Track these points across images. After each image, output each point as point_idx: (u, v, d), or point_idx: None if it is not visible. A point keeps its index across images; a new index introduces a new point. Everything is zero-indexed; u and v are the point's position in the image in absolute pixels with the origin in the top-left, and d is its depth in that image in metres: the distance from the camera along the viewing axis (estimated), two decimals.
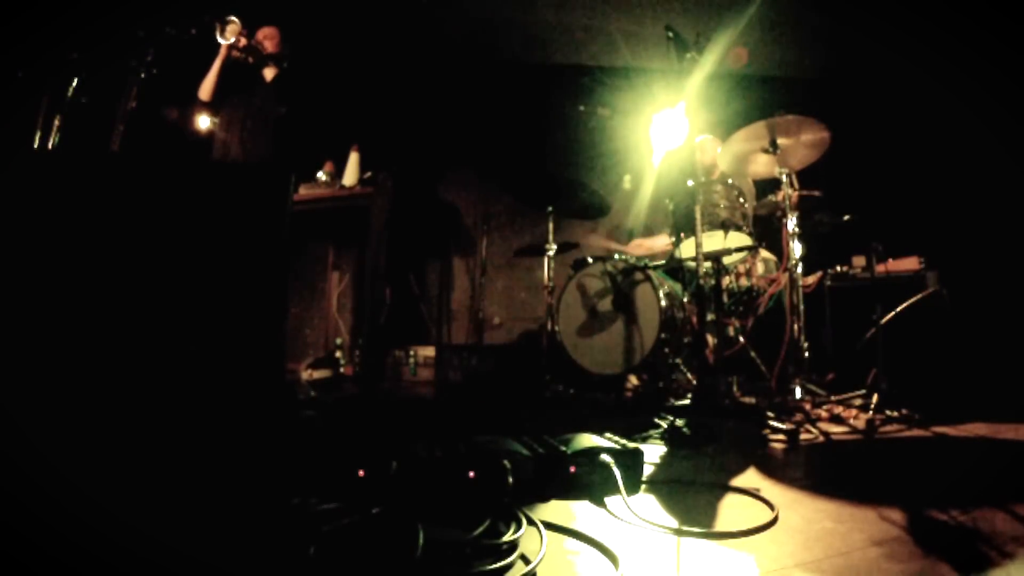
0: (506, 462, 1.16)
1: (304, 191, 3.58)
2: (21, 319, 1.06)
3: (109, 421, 1.06)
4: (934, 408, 2.28)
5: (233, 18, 3.02)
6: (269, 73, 3.35)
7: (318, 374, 3.48)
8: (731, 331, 2.85)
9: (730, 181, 2.79)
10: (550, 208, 3.31)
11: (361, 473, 1.17)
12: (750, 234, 2.76)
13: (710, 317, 2.80)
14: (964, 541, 1.01)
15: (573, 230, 4.21)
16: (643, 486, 1.32)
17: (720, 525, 1.11)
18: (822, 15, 3.98)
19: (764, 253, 3.14)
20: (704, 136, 3.62)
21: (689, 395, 2.60)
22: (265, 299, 1.21)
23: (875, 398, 2.30)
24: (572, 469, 1.25)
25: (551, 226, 3.33)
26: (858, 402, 2.46)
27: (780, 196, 2.61)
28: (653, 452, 1.74)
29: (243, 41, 3.14)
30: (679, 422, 1.99)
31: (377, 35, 4.51)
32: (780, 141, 2.60)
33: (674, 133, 2.97)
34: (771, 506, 1.16)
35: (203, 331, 1.16)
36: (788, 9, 3.92)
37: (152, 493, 1.01)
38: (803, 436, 1.97)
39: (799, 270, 2.54)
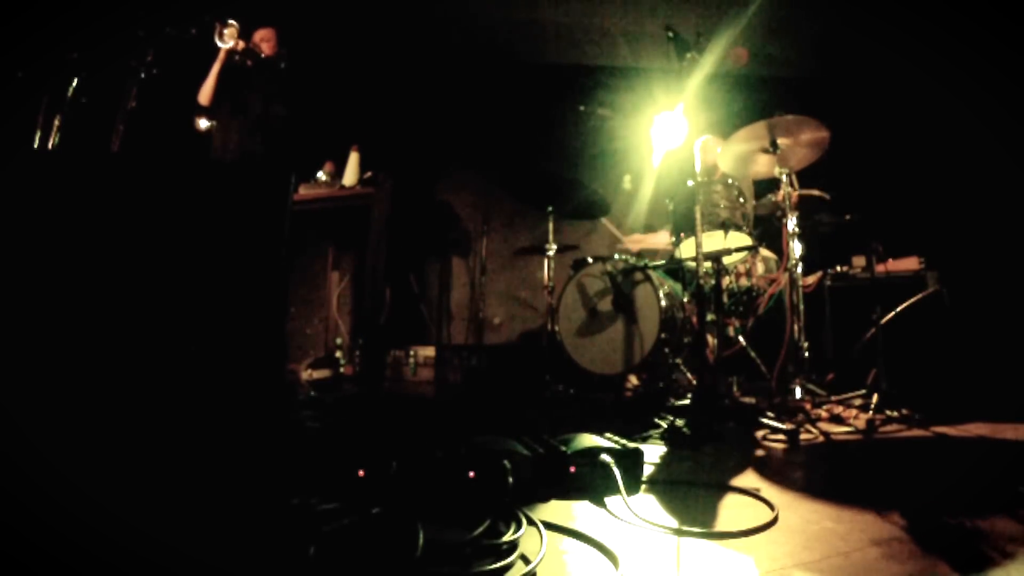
0: (506, 462, 1.16)
1: (304, 191, 3.58)
2: (21, 319, 1.06)
3: (109, 421, 1.06)
4: (934, 408, 2.28)
5: (232, 22, 3.02)
6: (268, 75, 3.34)
7: (318, 374, 3.48)
8: (731, 331, 2.85)
9: (730, 181, 2.79)
10: (550, 208, 3.30)
11: (361, 473, 1.17)
12: (750, 234, 2.75)
13: (710, 317, 2.79)
14: (964, 541, 1.01)
15: (573, 230, 4.20)
16: (643, 486, 1.32)
17: (720, 525, 1.11)
18: (822, 16, 3.99)
19: (764, 253, 3.14)
20: (706, 136, 3.62)
21: (689, 395, 2.59)
22: (265, 299, 1.21)
23: (875, 398, 2.30)
24: (572, 469, 1.25)
25: (551, 226, 3.33)
26: (858, 402, 2.46)
27: (780, 196, 2.61)
28: (653, 452, 1.74)
29: (241, 44, 3.15)
30: (679, 422, 1.99)
31: (377, 35, 4.51)
32: (780, 141, 2.60)
33: (674, 133, 2.96)
34: (771, 506, 1.16)
35: (204, 331, 1.16)
36: (788, 9, 3.92)
37: (152, 493, 1.01)
38: (803, 436, 1.97)
39: (799, 270, 2.54)
